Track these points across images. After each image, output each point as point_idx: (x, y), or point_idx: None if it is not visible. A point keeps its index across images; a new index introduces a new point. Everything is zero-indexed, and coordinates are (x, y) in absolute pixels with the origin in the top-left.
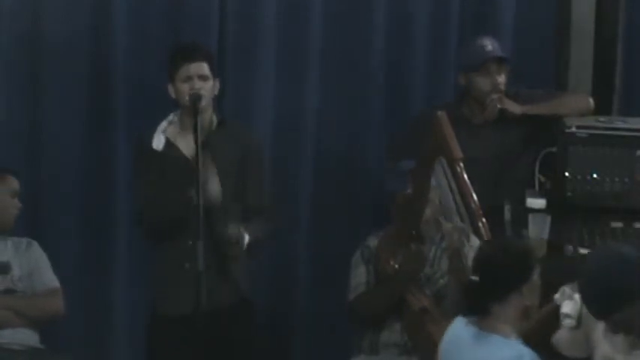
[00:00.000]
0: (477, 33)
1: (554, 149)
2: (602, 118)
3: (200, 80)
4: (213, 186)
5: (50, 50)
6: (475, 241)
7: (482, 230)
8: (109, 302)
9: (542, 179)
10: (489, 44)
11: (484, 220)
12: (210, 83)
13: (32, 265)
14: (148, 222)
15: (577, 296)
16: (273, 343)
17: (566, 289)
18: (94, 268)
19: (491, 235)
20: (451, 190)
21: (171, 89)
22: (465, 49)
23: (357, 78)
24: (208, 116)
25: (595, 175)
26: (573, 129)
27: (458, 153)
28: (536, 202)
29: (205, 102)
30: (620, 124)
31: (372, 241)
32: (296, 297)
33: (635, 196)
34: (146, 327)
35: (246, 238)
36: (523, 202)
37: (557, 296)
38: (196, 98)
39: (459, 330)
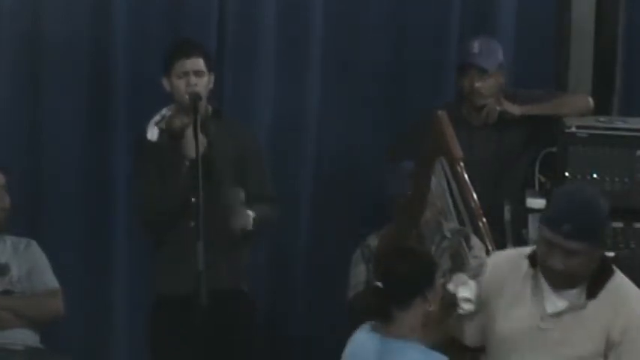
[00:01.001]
0: (476, 33)
1: (554, 149)
2: (602, 118)
3: (196, 76)
4: (244, 213)
5: (50, 50)
6: (475, 242)
7: (483, 230)
8: (109, 302)
9: (542, 179)
10: (476, 47)
11: (484, 220)
12: (205, 79)
13: (31, 265)
14: (148, 214)
15: (472, 282)
16: (273, 342)
17: (461, 275)
18: (94, 268)
19: (491, 234)
20: (451, 190)
21: (166, 83)
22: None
23: (357, 78)
24: (203, 108)
25: (595, 175)
26: (573, 129)
27: (458, 152)
28: (536, 202)
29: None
30: (620, 124)
31: (372, 241)
32: (296, 297)
33: (635, 196)
34: (147, 314)
35: (252, 215)
36: (523, 202)
37: (450, 285)
38: (196, 97)
39: (363, 337)
